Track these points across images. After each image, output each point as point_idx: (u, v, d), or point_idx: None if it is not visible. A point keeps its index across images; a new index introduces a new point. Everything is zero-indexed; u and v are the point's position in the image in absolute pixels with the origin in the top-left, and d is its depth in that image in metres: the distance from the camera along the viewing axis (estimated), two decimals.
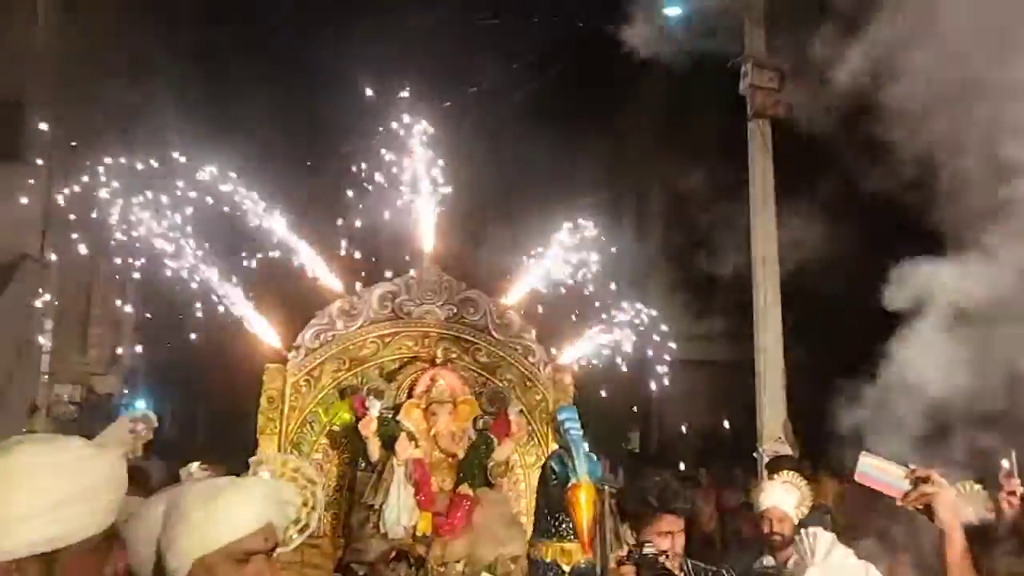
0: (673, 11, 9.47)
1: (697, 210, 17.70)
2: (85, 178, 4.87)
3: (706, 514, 11.12)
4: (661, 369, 5.34)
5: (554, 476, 3.25)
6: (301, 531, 2.66)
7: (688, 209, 18.14)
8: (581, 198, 5.34)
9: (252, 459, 3.25)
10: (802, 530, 2.70)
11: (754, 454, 8.98)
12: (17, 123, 12.34)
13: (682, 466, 16.19)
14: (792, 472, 4.89)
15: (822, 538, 2.64)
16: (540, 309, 5.20)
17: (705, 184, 17.20)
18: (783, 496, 4.51)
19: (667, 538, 3.20)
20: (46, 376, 12.80)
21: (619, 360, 5.07)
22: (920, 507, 2.64)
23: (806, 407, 9.40)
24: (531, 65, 10.18)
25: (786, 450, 8.38)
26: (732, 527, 7.67)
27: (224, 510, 1.90)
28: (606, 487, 4.23)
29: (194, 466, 2.92)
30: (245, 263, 4.84)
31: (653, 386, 5.39)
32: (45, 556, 1.40)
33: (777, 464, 6.89)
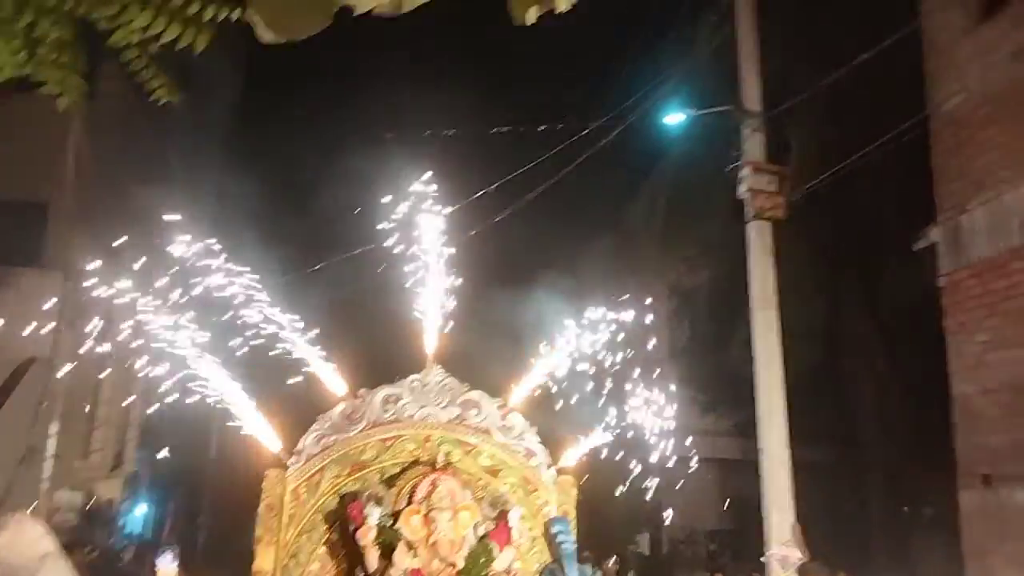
0: (674, 119, 9.75)
1: (703, 309, 17.81)
2: (95, 282, 4.97)
3: None
4: (670, 466, 5.27)
5: None
6: None
7: (694, 308, 18.24)
8: (586, 300, 5.38)
9: None
10: None
11: (762, 559, 8.73)
12: (35, 228, 12.65)
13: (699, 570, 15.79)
14: None
15: None
16: (552, 406, 5.18)
17: (712, 283, 17.36)
18: None
19: None
20: (47, 482, 12.65)
21: (626, 460, 5.01)
22: None
23: (812, 507, 9.21)
24: (536, 171, 10.47)
25: (796, 554, 8.14)
26: None
27: None
28: None
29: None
30: (250, 366, 4.88)
31: (661, 485, 5.31)
32: None
33: (810, 570, 6.68)
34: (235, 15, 3.03)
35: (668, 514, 18.09)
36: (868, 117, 9.93)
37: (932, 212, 8.38)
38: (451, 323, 5.03)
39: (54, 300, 10.86)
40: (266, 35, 1.88)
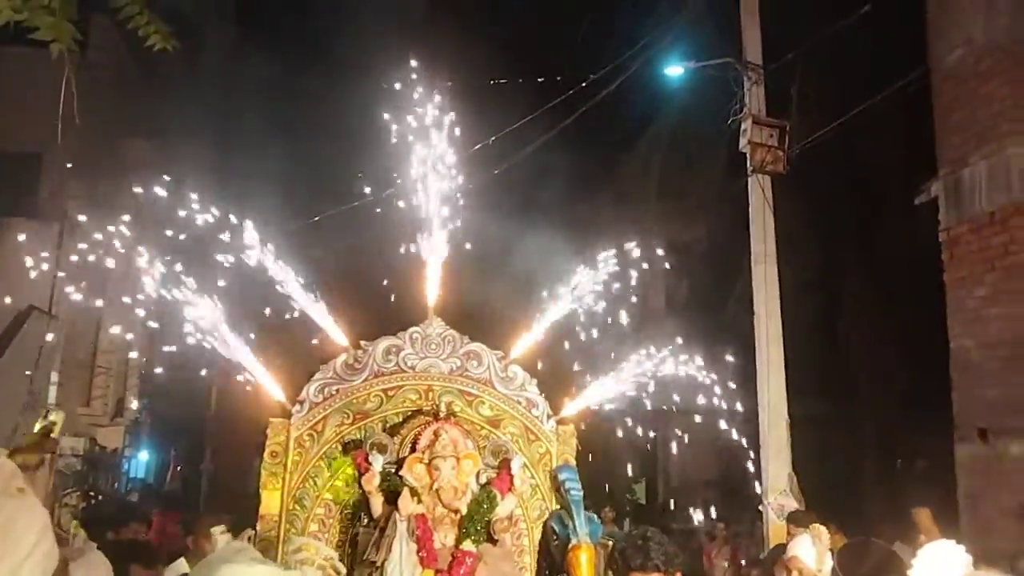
0: (673, 71, 9.66)
1: (701, 263, 17.84)
2: (96, 233, 4.96)
3: (721, 569, 10.98)
4: (667, 420, 5.32)
5: (555, 536, 3.26)
6: None
7: (692, 262, 18.25)
8: (583, 255, 5.38)
9: (291, 549, 3.27)
10: None
11: (759, 507, 8.91)
12: (33, 179, 12.58)
13: (698, 519, 16.04)
14: (819, 526, 4.87)
15: None
16: (543, 363, 5.21)
17: (710, 238, 17.36)
18: (808, 548, 4.49)
19: None
20: None
21: (624, 411, 5.05)
22: None
23: (807, 459, 9.36)
24: (534, 124, 10.38)
25: (792, 503, 8.32)
26: None
27: None
28: (611, 543, 4.20)
29: (217, 530, 3.12)
30: (252, 317, 4.88)
31: (658, 436, 5.36)
32: None
33: (799, 517, 6.87)
34: None
35: (664, 464, 18.36)
36: (870, 70, 9.84)
37: (933, 166, 8.35)
38: (451, 277, 5.04)
39: (50, 250, 10.83)
40: None
